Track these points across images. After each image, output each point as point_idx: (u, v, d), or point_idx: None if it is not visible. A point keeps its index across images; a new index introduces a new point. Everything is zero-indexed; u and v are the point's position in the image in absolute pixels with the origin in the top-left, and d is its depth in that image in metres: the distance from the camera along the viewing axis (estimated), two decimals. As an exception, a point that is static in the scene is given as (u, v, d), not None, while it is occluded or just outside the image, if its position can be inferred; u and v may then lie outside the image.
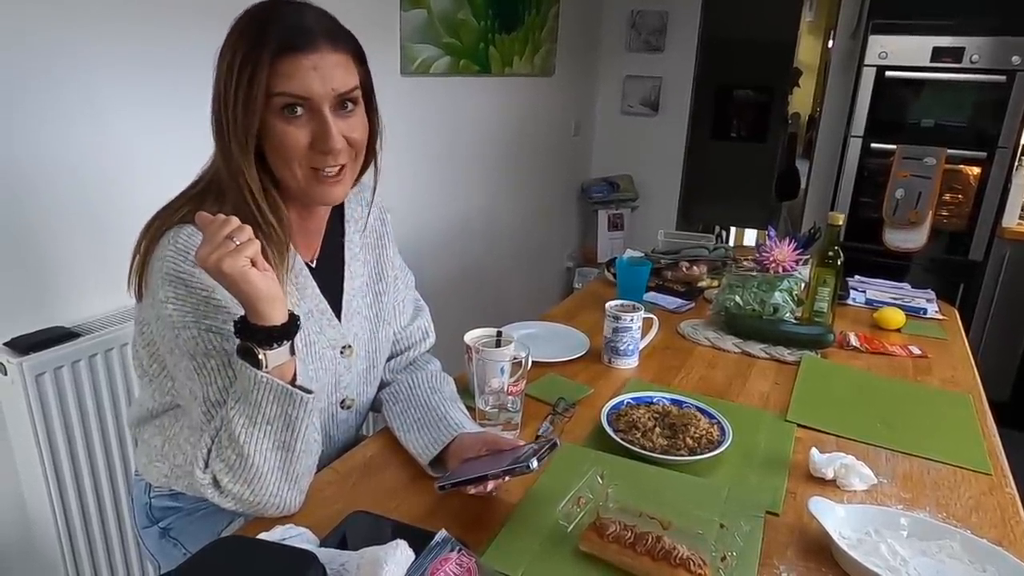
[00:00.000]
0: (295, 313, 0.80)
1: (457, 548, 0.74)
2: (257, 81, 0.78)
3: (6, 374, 1.26)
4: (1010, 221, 2.77)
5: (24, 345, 1.28)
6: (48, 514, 1.34)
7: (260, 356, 0.77)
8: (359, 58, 0.86)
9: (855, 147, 2.88)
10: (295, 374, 0.82)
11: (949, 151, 2.69)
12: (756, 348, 1.42)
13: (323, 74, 0.80)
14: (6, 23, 1.20)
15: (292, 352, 0.80)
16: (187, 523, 1.02)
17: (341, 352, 0.99)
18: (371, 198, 1.04)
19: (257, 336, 0.76)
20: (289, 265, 0.89)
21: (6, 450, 1.33)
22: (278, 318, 0.77)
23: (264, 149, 0.83)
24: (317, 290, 0.95)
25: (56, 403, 1.31)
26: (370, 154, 0.93)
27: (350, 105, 0.85)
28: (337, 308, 0.98)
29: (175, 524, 1.03)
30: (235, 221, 0.74)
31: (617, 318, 1.29)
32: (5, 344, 1.28)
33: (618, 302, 1.33)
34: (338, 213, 1.02)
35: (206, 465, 0.81)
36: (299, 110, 0.81)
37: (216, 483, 0.81)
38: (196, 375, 0.82)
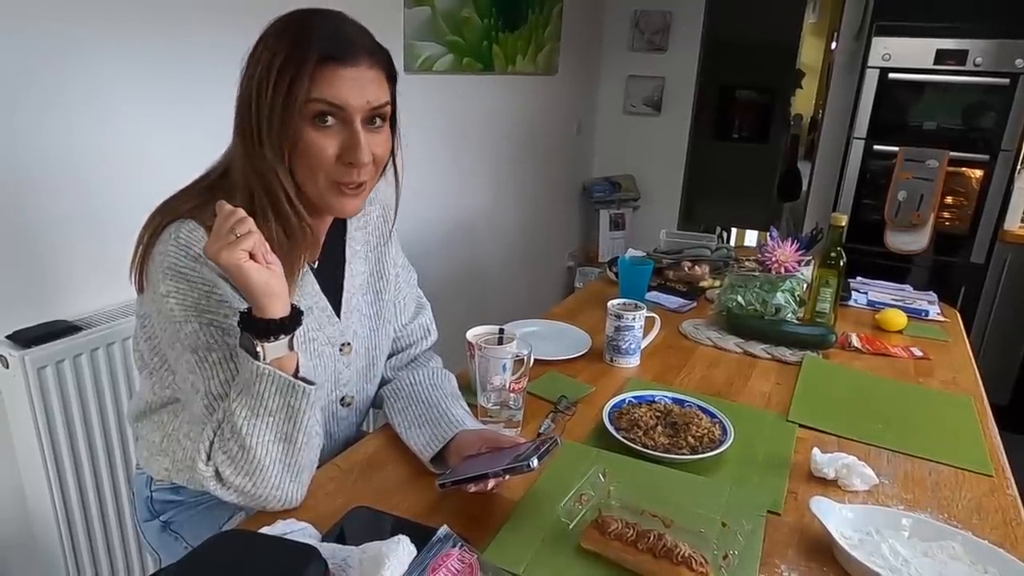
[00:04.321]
0: (299, 308, 0.80)
1: (459, 544, 0.74)
2: (298, 85, 0.78)
3: (8, 367, 1.26)
4: (1012, 224, 2.77)
5: (26, 338, 1.28)
6: (48, 507, 1.34)
7: (258, 348, 0.77)
8: (390, 76, 0.88)
9: (857, 149, 2.88)
10: (297, 367, 0.82)
11: (951, 154, 2.69)
12: (758, 348, 1.42)
13: (360, 87, 0.81)
14: (10, 17, 1.20)
15: (291, 347, 0.80)
16: (188, 517, 1.02)
17: (340, 349, 0.99)
18: (396, 206, 1.05)
19: (256, 328, 0.76)
20: (300, 267, 0.89)
21: (7, 443, 1.33)
22: (278, 312, 0.77)
23: (290, 155, 0.83)
24: (317, 287, 0.95)
25: (57, 397, 1.31)
26: (386, 167, 0.94)
27: (379, 121, 0.86)
28: (337, 305, 0.98)
29: (176, 517, 1.03)
30: (240, 213, 0.74)
31: (619, 317, 1.29)
32: (7, 337, 1.28)
33: (620, 301, 1.33)
34: None
35: (208, 458, 0.81)
36: (330, 120, 0.81)
37: (218, 476, 0.80)
38: (198, 368, 0.82)
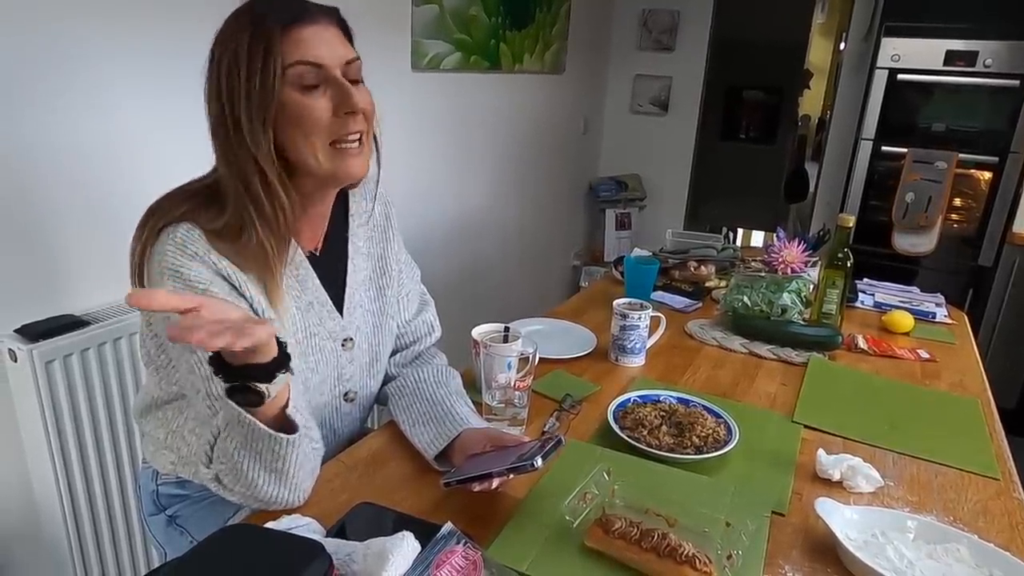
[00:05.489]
0: (281, 340, 0.75)
1: (463, 541, 0.74)
2: (272, 56, 0.78)
3: (16, 361, 1.26)
4: (1020, 227, 2.75)
5: (34, 332, 1.28)
6: (55, 500, 1.35)
7: (263, 389, 0.72)
8: (349, 35, 0.88)
9: (865, 150, 2.87)
10: (287, 401, 0.79)
11: (960, 155, 2.68)
12: (763, 349, 1.41)
13: (328, 42, 0.82)
14: (15, 14, 1.20)
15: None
16: (194, 511, 1.03)
17: (342, 345, 0.99)
18: (375, 189, 1.04)
19: (255, 374, 0.72)
20: (289, 257, 0.89)
21: (15, 436, 1.33)
22: (271, 354, 0.72)
23: (278, 133, 0.82)
24: (317, 281, 0.95)
25: (65, 390, 1.31)
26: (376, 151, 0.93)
27: (355, 75, 0.86)
28: (339, 301, 0.98)
29: (182, 512, 1.03)
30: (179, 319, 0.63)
31: (625, 316, 1.29)
32: (15, 331, 1.29)
33: (626, 300, 1.33)
34: (342, 207, 1.01)
35: (210, 461, 0.81)
36: (314, 79, 0.82)
37: (219, 480, 0.81)
38: (196, 369, 0.82)
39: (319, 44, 0.81)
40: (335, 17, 0.86)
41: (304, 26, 0.81)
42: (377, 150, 0.94)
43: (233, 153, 0.81)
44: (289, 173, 0.85)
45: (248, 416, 0.74)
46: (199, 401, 0.83)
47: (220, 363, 0.71)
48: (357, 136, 0.86)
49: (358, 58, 0.86)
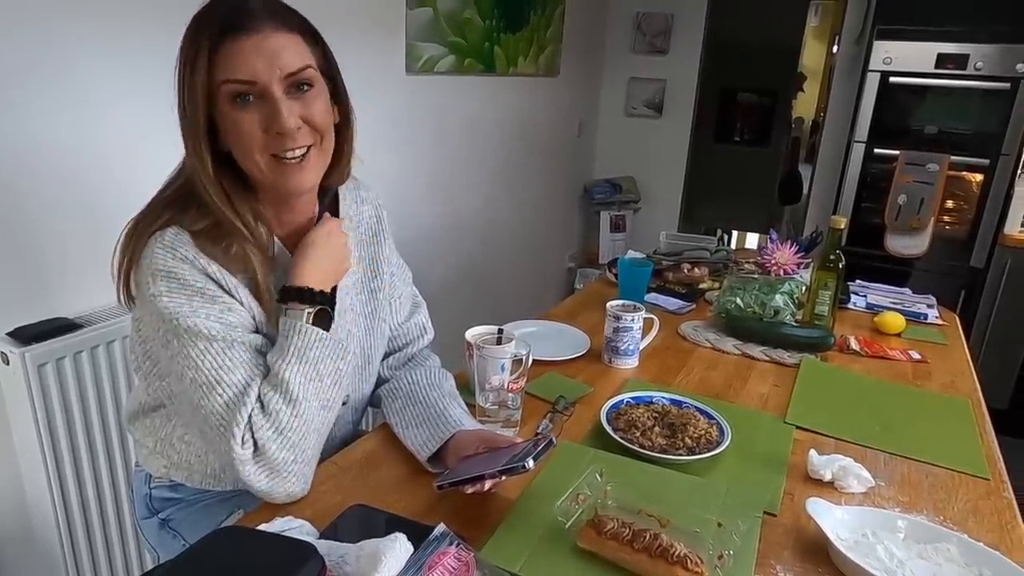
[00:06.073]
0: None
1: (455, 543, 0.74)
2: (199, 70, 0.76)
3: (8, 364, 1.26)
4: (1012, 229, 2.77)
5: (26, 335, 1.28)
6: (48, 504, 1.35)
7: (308, 310, 0.84)
8: (312, 38, 0.84)
9: (858, 152, 2.89)
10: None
11: (952, 158, 2.69)
12: (756, 350, 1.42)
13: (268, 56, 0.77)
14: (13, 13, 1.20)
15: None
16: (187, 514, 1.03)
17: None
18: (347, 164, 1.00)
19: (331, 300, 0.87)
20: (277, 261, 0.89)
21: (7, 440, 1.33)
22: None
23: (227, 143, 0.83)
24: None
25: (57, 394, 1.31)
26: (346, 143, 0.91)
27: (306, 87, 0.82)
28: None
29: (175, 515, 1.03)
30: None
31: (618, 318, 1.29)
32: (8, 334, 1.29)
33: (619, 302, 1.34)
34: (334, 210, 1.01)
35: (242, 441, 0.80)
36: (250, 97, 0.79)
37: (256, 453, 0.80)
38: (198, 362, 0.81)
39: (255, 57, 0.77)
40: (288, 22, 0.80)
41: (239, 38, 0.76)
42: (340, 153, 0.91)
43: (189, 164, 0.82)
44: (251, 181, 0.86)
45: (326, 334, 0.85)
46: (206, 396, 0.81)
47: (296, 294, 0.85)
48: (299, 150, 0.83)
49: (308, 67, 0.81)
